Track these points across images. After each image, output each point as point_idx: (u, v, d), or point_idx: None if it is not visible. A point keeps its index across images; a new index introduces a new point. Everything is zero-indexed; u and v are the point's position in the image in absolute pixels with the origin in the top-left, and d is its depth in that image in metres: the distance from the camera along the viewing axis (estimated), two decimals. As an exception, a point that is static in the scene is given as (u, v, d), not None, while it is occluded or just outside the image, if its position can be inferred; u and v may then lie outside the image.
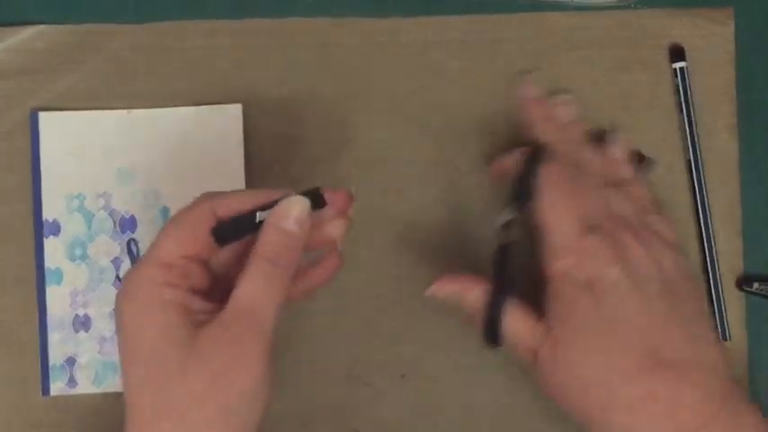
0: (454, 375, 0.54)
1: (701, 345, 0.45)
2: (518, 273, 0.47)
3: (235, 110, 0.54)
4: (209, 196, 0.44)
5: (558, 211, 0.47)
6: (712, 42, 0.55)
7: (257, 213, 0.43)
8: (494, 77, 0.55)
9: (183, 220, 0.43)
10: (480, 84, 0.55)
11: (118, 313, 0.42)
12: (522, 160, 0.48)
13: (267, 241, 0.43)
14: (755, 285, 0.54)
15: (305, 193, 0.44)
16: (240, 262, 0.44)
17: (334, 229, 0.46)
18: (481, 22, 0.55)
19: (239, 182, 0.54)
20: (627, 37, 0.55)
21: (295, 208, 0.43)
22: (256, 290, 0.42)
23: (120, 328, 0.42)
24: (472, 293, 0.48)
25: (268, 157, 0.54)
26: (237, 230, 0.44)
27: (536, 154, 0.49)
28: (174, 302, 0.41)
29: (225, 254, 0.45)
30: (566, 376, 0.45)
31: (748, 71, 0.56)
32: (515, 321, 0.47)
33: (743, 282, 0.55)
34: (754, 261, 0.55)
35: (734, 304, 0.55)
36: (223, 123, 0.54)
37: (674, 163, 0.55)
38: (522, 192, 0.48)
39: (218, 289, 0.44)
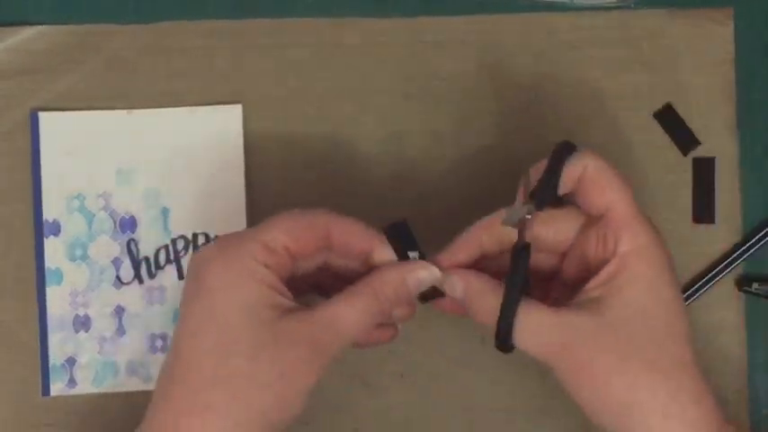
0: (454, 375, 0.54)
1: None
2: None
3: (235, 110, 0.54)
4: (329, 212, 0.45)
5: (624, 188, 0.43)
6: (712, 42, 0.55)
7: (417, 253, 0.45)
8: (494, 77, 0.55)
9: (300, 218, 0.44)
10: (480, 84, 0.55)
11: (202, 273, 0.42)
12: (551, 155, 0.44)
13: (390, 281, 0.44)
14: (755, 285, 0.54)
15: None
16: (313, 275, 0.46)
17: (402, 311, 0.46)
18: (481, 22, 0.55)
19: (239, 182, 0.54)
20: (627, 37, 0.55)
21: (425, 275, 0.45)
22: (357, 313, 0.43)
23: (201, 291, 0.42)
24: (486, 294, 0.44)
25: (268, 158, 0.54)
26: (401, 240, 0.45)
27: (564, 148, 0.44)
28: (268, 283, 0.42)
29: (311, 263, 0.46)
30: (617, 351, 0.41)
31: (748, 71, 0.56)
32: (538, 318, 0.42)
33: (742, 282, 0.55)
34: (754, 261, 0.55)
35: (733, 304, 0.55)
36: (223, 123, 0.54)
37: (674, 163, 0.55)
38: (549, 186, 0.43)
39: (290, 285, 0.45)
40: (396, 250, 0.45)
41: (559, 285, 0.47)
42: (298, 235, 0.43)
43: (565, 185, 0.43)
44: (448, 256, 0.46)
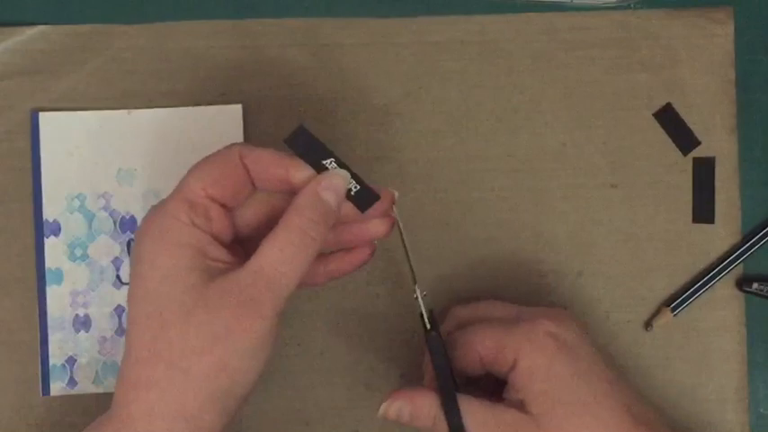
0: (454, 375, 0.54)
1: (641, 400, 0.46)
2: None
3: (235, 110, 0.54)
4: (238, 145, 0.43)
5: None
6: (712, 42, 0.55)
7: (331, 160, 0.42)
8: (494, 77, 0.55)
9: (211, 161, 0.43)
10: (480, 84, 0.55)
11: (135, 246, 0.42)
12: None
13: (303, 206, 0.42)
14: (755, 285, 0.54)
15: (360, 183, 0.43)
16: (265, 227, 0.43)
17: (376, 227, 0.45)
18: (481, 23, 0.55)
19: (239, 182, 0.54)
20: (627, 37, 0.55)
21: (340, 184, 0.43)
22: (281, 255, 0.41)
23: (134, 262, 0.42)
24: (423, 405, 0.45)
25: (268, 158, 0.54)
26: (306, 149, 0.42)
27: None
28: (191, 244, 0.41)
29: (250, 214, 0.44)
30: None
31: (748, 71, 0.56)
32: (479, 416, 0.44)
33: (743, 282, 0.55)
34: (754, 261, 0.55)
35: (733, 304, 0.55)
36: (223, 123, 0.54)
37: (674, 163, 0.55)
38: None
39: (239, 248, 0.44)
40: (311, 165, 0.42)
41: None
42: (214, 177, 0.42)
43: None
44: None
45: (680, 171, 0.55)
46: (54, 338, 0.53)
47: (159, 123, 0.54)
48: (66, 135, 0.54)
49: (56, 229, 0.53)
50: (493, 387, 0.47)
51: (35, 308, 0.53)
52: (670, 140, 0.55)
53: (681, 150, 0.55)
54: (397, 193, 0.46)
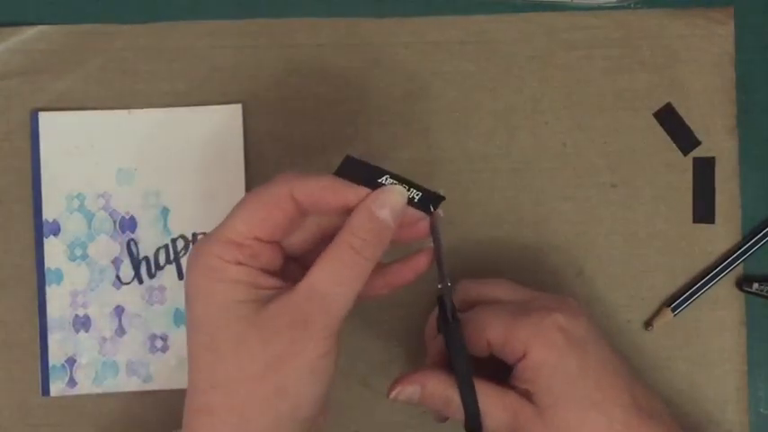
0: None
1: (649, 391, 0.46)
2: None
3: (235, 110, 0.54)
4: (288, 179, 0.41)
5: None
6: (712, 42, 0.55)
7: (386, 177, 0.41)
8: (494, 77, 0.55)
9: (258, 201, 0.42)
10: (480, 84, 0.55)
11: (186, 281, 0.42)
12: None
13: (357, 226, 0.41)
14: (755, 285, 0.54)
15: (419, 190, 0.42)
16: (316, 245, 0.43)
17: (417, 261, 0.45)
18: (481, 23, 0.55)
19: (239, 182, 0.54)
20: (627, 37, 0.55)
21: (394, 198, 0.42)
22: (332, 276, 0.40)
23: (187, 298, 0.42)
24: (436, 388, 0.45)
25: (268, 157, 0.54)
26: (359, 175, 0.41)
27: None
28: (241, 280, 0.41)
29: (301, 236, 0.44)
30: None
31: (748, 71, 0.56)
32: (491, 401, 0.45)
33: (743, 282, 0.55)
34: (754, 261, 0.55)
35: (733, 304, 0.55)
36: (223, 123, 0.54)
37: (674, 163, 0.55)
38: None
39: (291, 268, 0.44)
40: (368, 186, 0.41)
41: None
42: (262, 219, 0.41)
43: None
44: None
45: (680, 171, 0.55)
46: (54, 338, 0.53)
47: (159, 123, 0.54)
48: (66, 135, 0.54)
49: (55, 229, 0.53)
50: (495, 367, 0.46)
51: (35, 308, 0.53)
52: (670, 140, 0.55)
53: (681, 150, 0.55)
54: (442, 191, 0.44)
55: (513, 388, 0.45)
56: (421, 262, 0.45)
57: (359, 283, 0.41)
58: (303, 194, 0.41)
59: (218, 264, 0.41)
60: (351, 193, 0.41)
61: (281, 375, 0.40)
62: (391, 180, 0.42)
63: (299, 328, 0.40)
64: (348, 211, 0.42)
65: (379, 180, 0.41)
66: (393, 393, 0.46)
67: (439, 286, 0.45)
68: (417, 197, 0.43)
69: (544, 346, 0.44)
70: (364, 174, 0.41)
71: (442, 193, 0.43)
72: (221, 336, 0.40)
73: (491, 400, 0.44)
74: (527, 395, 0.44)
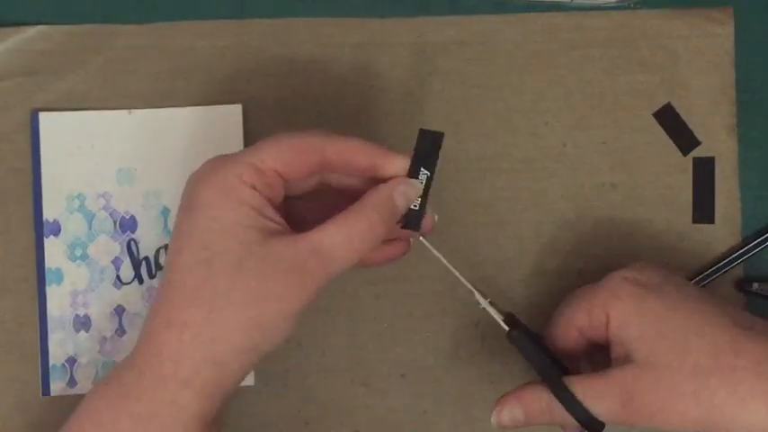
0: (454, 375, 0.54)
1: (746, 313, 0.47)
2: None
3: (235, 110, 0.54)
4: (322, 134, 0.44)
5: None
6: (712, 42, 0.55)
7: (427, 174, 0.45)
8: (494, 77, 0.55)
9: (291, 141, 0.44)
10: (480, 84, 0.55)
11: (190, 193, 0.43)
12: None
13: (381, 204, 0.43)
14: (755, 286, 0.54)
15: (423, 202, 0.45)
16: (310, 193, 0.45)
17: (396, 248, 0.47)
18: (481, 23, 0.55)
19: (239, 182, 0.54)
20: (627, 37, 0.55)
21: (414, 193, 0.45)
22: (345, 241, 0.42)
23: (190, 208, 0.42)
24: (533, 399, 0.46)
25: (268, 158, 0.54)
26: (424, 152, 0.45)
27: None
28: (252, 205, 0.42)
29: (305, 182, 0.45)
30: (667, 395, 0.43)
31: (748, 71, 0.56)
32: (589, 389, 0.45)
33: (742, 282, 0.55)
34: (754, 261, 0.55)
35: (734, 304, 0.54)
36: (223, 123, 0.54)
37: (673, 163, 0.55)
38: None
39: (285, 207, 0.45)
40: (412, 163, 0.44)
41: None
42: (289, 159, 0.43)
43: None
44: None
45: (680, 171, 0.55)
46: (54, 338, 0.53)
47: (159, 123, 0.54)
48: (67, 135, 0.54)
49: (56, 229, 0.53)
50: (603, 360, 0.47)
51: (35, 308, 0.53)
52: (670, 140, 0.55)
53: (681, 150, 0.55)
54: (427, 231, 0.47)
55: (613, 364, 0.45)
56: (401, 247, 0.47)
57: (362, 255, 0.43)
58: (335, 151, 0.44)
59: (235, 183, 0.42)
60: (392, 158, 0.44)
61: (265, 311, 0.41)
62: (425, 178, 0.45)
63: (296, 275, 0.41)
64: (367, 175, 0.44)
65: (422, 169, 0.44)
66: (494, 418, 0.47)
67: (480, 306, 0.47)
68: (412, 208, 0.45)
69: (621, 300, 0.45)
70: (427, 155, 0.45)
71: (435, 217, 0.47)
72: (221, 254, 0.41)
73: (589, 388, 0.44)
74: (627, 359, 0.44)
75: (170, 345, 0.41)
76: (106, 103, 0.54)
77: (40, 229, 0.53)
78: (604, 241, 0.55)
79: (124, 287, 0.54)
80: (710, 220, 0.55)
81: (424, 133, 0.45)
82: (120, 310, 0.54)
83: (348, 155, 0.44)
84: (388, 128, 0.55)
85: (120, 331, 0.53)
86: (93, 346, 0.53)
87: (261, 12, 0.55)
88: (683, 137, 0.55)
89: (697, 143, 0.55)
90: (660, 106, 0.55)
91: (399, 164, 0.44)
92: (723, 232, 0.55)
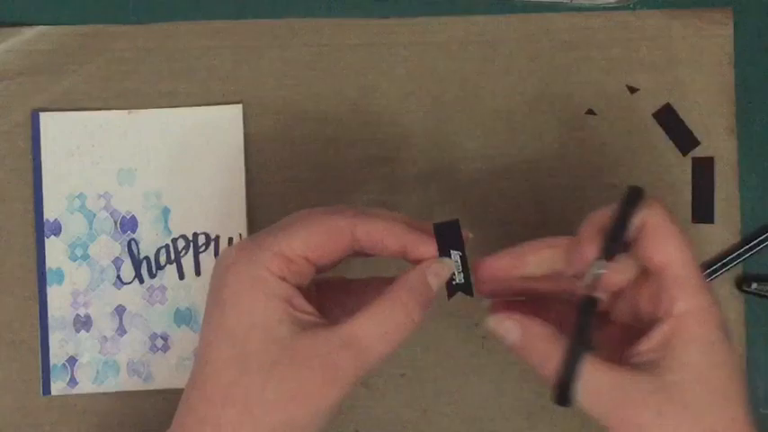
0: (454, 375, 0.54)
1: None
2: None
3: (235, 110, 0.54)
4: (351, 214, 0.42)
5: (684, 245, 0.41)
6: (712, 43, 0.55)
7: (459, 253, 0.43)
8: (494, 77, 0.55)
9: (321, 227, 0.42)
10: (480, 84, 0.55)
11: (220, 284, 0.41)
12: (621, 203, 0.41)
13: (415, 288, 0.42)
14: (754, 285, 0.54)
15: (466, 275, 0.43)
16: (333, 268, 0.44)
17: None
18: (481, 23, 0.55)
19: (240, 182, 0.54)
20: (627, 37, 0.55)
21: (446, 271, 0.43)
22: (380, 330, 0.41)
23: (219, 300, 0.41)
24: (533, 331, 0.42)
25: (268, 157, 0.54)
26: (447, 241, 0.43)
27: (635, 194, 0.41)
28: (282, 297, 0.41)
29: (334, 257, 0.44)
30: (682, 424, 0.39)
31: (748, 71, 0.56)
32: (599, 375, 0.40)
33: (742, 282, 0.55)
34: (754, 261, 0.55)
35: (733, 304, 0.55)
36: (223, 123, 0.54)
37: (673, 163, 0.55)
38: (618, 236, 0.41)
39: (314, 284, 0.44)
40: (439, 247, 0.43)
41: (607, 327, 0.45)
42: (319, 245, 0.42)
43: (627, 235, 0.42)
44: (490, 261, 0.44)
45: (679, 171, 0.55)
46: (54, 338, 0.53)
47: (159, 123, 0.54)
48: (67, 135, 0.54)
49: (56, 229, 0.54)
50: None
51: (35, 308, 0.53)
52: (670, 140, 0.55)
53: (680, 150, 0.55)
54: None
55: (632, 363, 0.41)
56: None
57: (399, 344, 0.41)
58: (364, 233, 0.42)
59: (265, 275, 0.41)
60: (421, 244, 0.43)
61: (298, 409, 0.40)
62: (458, 258, 0.43)
63: (331, 371, 0.40)
64: (397, 256, 0.43)
65: (452, 251, 0.43)
66: (493, 322, 0.43)
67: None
68: (456, 281, 0.43)
69: (697, 317, 0.40)
70: (451, 242, 0.43)
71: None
72: (253, 352, 0.40)
73: (599, 378, 0.40)
74: (648, 367, 0.40)
75: None
76: (106, 103, 0.54)
77: (40, 228, 0.53)
78: (604, 241, 0.55)
79: (125, 287, 0.54)
80: (710, 220, 0.55)
81: (438, 227, 0.43)
82: (120, 310, 0.54)
83: (377, 237, 0.42)
84: (389, 128, 0.55)
85: (121, 331, 0.54)
86: (94, 345, 0.53)
87: (261, 12, 0.55)
88: (682, 137, 0.55)
89: (696, 143, 0.55)
90: (660, 106, 0.55)
91: (430, 246, 0.43)
92: (722, 232, 0.55)
